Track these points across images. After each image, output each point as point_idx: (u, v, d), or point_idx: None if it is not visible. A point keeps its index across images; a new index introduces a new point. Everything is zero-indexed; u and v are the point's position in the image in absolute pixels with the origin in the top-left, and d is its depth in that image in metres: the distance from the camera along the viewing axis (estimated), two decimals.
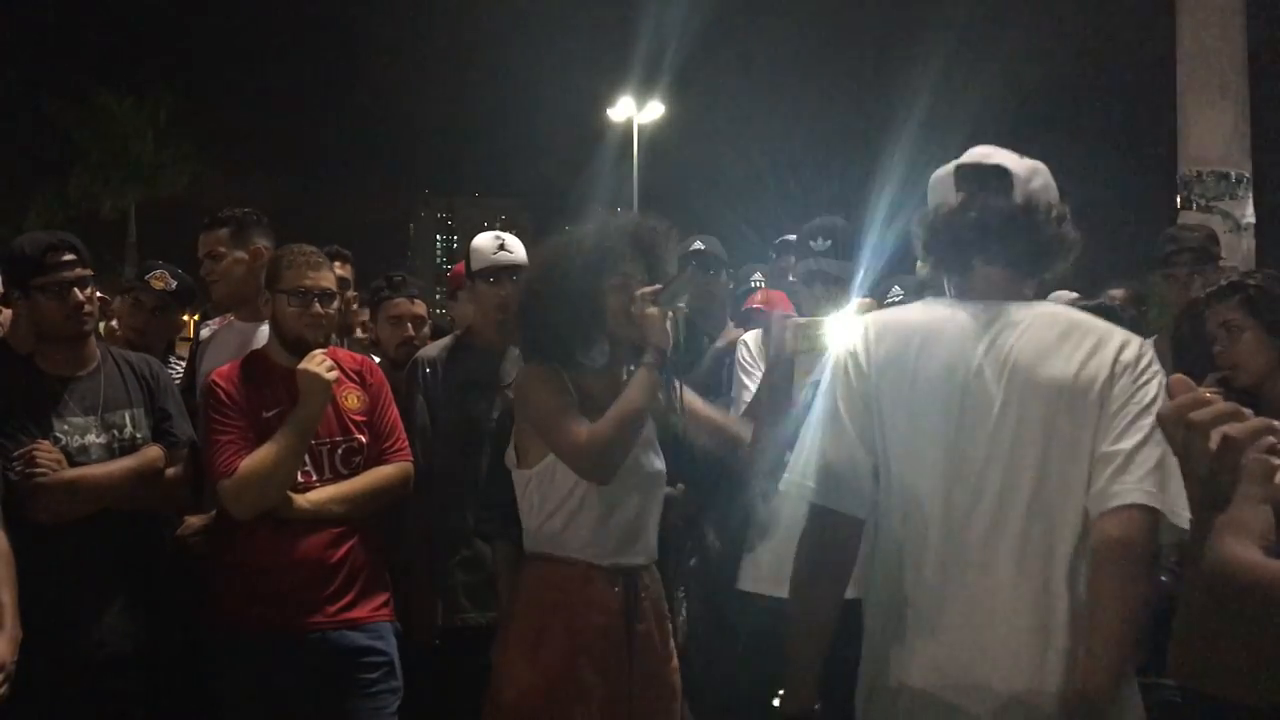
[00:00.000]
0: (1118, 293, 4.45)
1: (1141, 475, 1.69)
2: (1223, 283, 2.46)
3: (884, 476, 1.88)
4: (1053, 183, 1.91)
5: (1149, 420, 1.68)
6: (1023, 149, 1.94)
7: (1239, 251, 5.06)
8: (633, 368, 2.32)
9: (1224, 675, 2.33)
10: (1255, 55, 5.58)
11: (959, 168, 1.92)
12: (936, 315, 1.92)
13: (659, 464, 2.43)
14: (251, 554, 2.60)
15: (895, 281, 4.03)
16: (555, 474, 2.28)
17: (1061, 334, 1.81)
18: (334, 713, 2.64)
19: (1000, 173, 1.87)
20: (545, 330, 2.33)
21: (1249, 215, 5.39)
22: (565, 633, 2.24)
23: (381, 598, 2.76)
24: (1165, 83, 5.71)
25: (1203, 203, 5.35)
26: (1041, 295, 2.04)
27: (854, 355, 1.90)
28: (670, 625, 2.46)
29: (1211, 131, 5.40)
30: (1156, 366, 1.79)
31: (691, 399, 2.49)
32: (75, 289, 2.55)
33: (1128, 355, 1.78)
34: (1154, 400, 1.70)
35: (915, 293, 3.66)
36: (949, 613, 1.78)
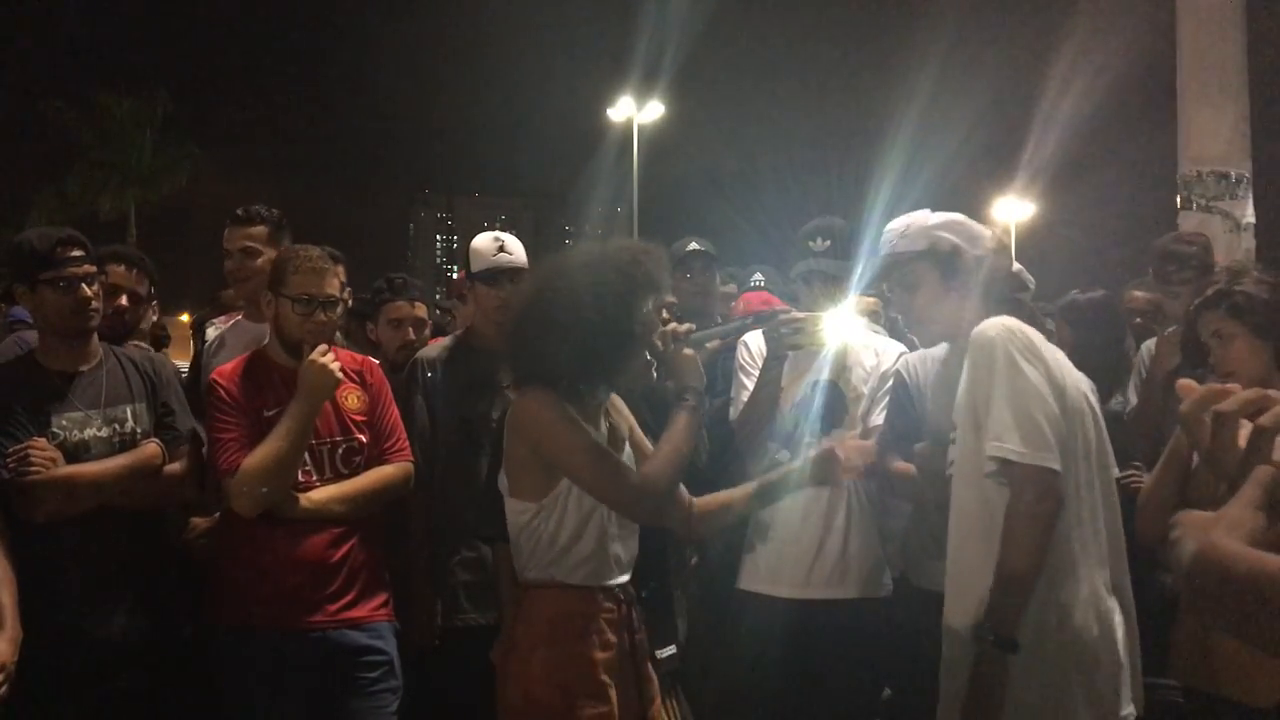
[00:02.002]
0: (1140, 294, 4.43)
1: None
2: (1210, 292, 2.46)
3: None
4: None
5: None
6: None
7: (1239, 252, 5.05)
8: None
9: (1224, 675, 2.35)
10: (1255, 55, 5.58)
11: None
12: None
13: None
14: (252, 553, 2.61)
15: None
16: (568, 507, 2.24)
17: None
18: (334, 712, 2.64)
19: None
20: (568, 356, 2.20)
21: (1249, 215, 5.38)
22: (594, 655, 2.24)
23: (381, 597, 2.76)
24: (1165, 83, 5.71)
25: (1203, 203, 5.35)
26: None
27: (1030, 335, 2.24)
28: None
29: (1211, 131, 5.39)
30: None
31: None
32: (83, 285, 2.56)
33: None
34: None
35: None
36: None
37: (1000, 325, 2.22)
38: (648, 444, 2.42)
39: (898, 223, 2.53)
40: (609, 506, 2.23)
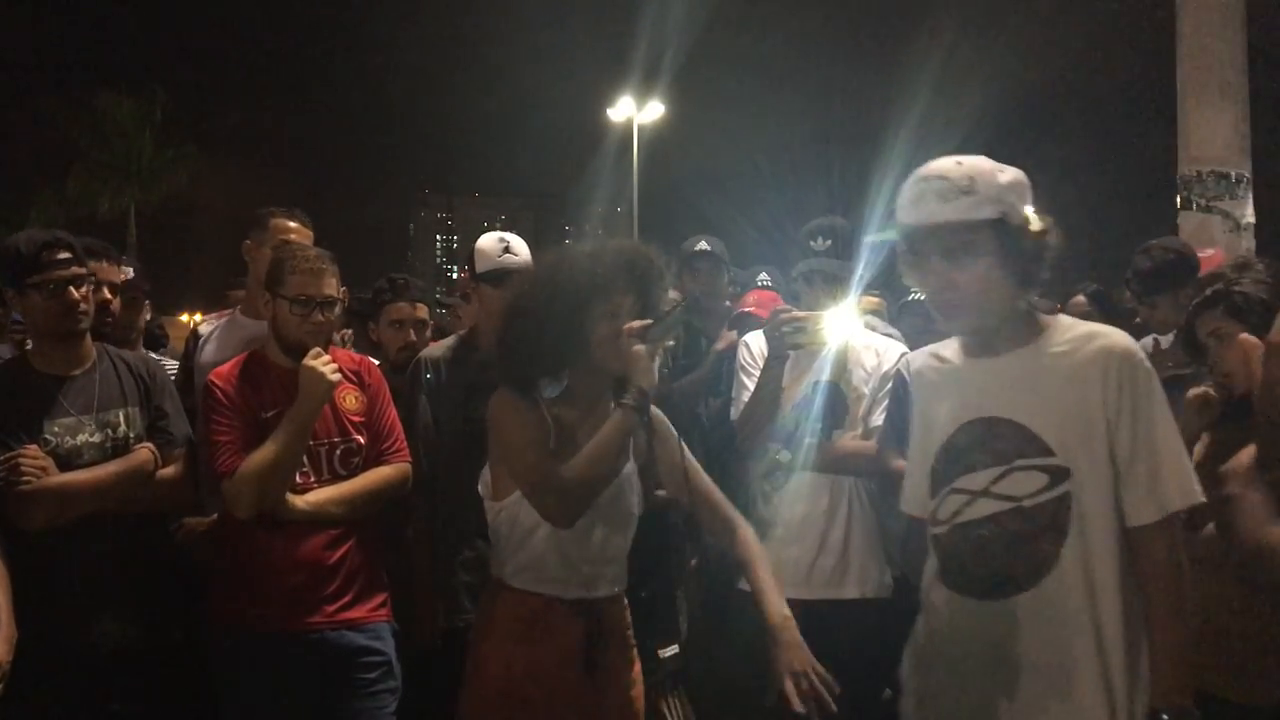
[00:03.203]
0: None
1: None
2: (1206, 293, 2.45)
3: None
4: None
5: None
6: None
7: (1239, 252, 5.05)
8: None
9: (1224, 675, 2.35)
10: (1255, 55, 5.58)
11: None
12: None
13: (634, 503, 2.30)
14: (250, 555, 2.60)
15: None
16: (522, 508, 2.20)
17: None
18: (333, 713, 2.64)
19: None
20: (519, 351, 2.22)
21: (1249, 215, 5.38)
22: (525, 665, 2.19)
23: (380, 598, 2.76)
24: (1165, 83, 5.71)
25: (1203, 203, 5.35)
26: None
27: None
28: (634, 652, 2.36)
29: (1211, 131, 5.39)
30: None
31: (696, 472, 2.33)
32: (70, 287, 2.54)
33: None
34: None
35: None
36: None
37: (1133, 343, 1.96)
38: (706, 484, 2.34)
39: (950, 169, 1.94)
40: (528, 500, 2.17)
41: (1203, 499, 1.90)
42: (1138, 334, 4.25)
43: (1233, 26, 5.41)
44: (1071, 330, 1.98)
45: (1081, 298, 4.00)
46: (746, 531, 2.28)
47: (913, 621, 2.16)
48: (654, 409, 2.25)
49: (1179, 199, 5.47)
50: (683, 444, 2.29)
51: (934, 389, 2.13)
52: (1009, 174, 1.96)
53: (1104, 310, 4.00)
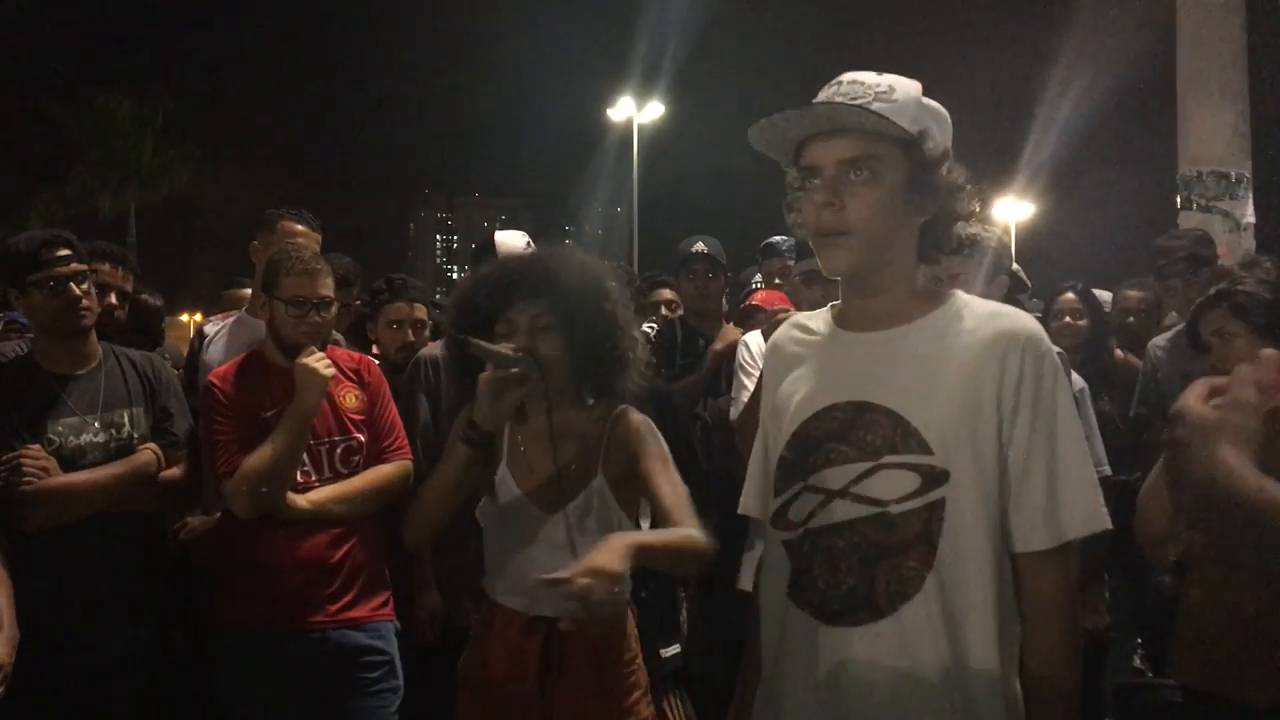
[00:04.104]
0: (1133, 293, 4.45)
1: None
2: (1210, 292, 2.46)
3: None
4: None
5: None
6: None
7: (1239, 252, 5.05)
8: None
9: (1225, 675, 2.35)
10: (1255, 55, 5.58)
11: None
12: None
13: (592, 532, 2.07)
14: (252, 554, 2.60)
15: None
16: (484, 515, 2.20)
17: None
18: (334, 712, 2.64)
19: None
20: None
21: (1249, 215, 5.39)
22: (480, 670, 2.16)
23: (382, 597, 2.76)
24: (1165, 83, 5.71)
25: (1203, 203, 5.36)
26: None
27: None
28: (623, 668, 2.18)
29: (1211, 131, 5.40)
30: None
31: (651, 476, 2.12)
32: (71, 284, 2.53)
33: None
34: None
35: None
36: None
37: (1039, 329, 1.60)
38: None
39: (867, 76, 1.61)
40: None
41: (1108, 525, 1.53)
42: (1133, 334, 4.27)
43: (1233, 26, 5.42)
44: (971, 307, 1.62)
45: (1070, 295, 4.01)
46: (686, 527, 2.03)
47: None
48: (636, 415, 2.15)
49: (1179, 199, 5.48)
50: (650, 451, 2.12)
51: (793, 363, 1.73)
52: (936, 104, 1.64)
53: (1092, 308, 4.01)
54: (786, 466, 1.66)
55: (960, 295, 1.66)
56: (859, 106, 1.54)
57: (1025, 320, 1.59)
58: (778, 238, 4.20)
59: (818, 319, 1.75)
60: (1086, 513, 1.53)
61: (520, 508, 2.15)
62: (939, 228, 1.64)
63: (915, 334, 1.61)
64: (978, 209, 1.66)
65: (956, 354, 1.56)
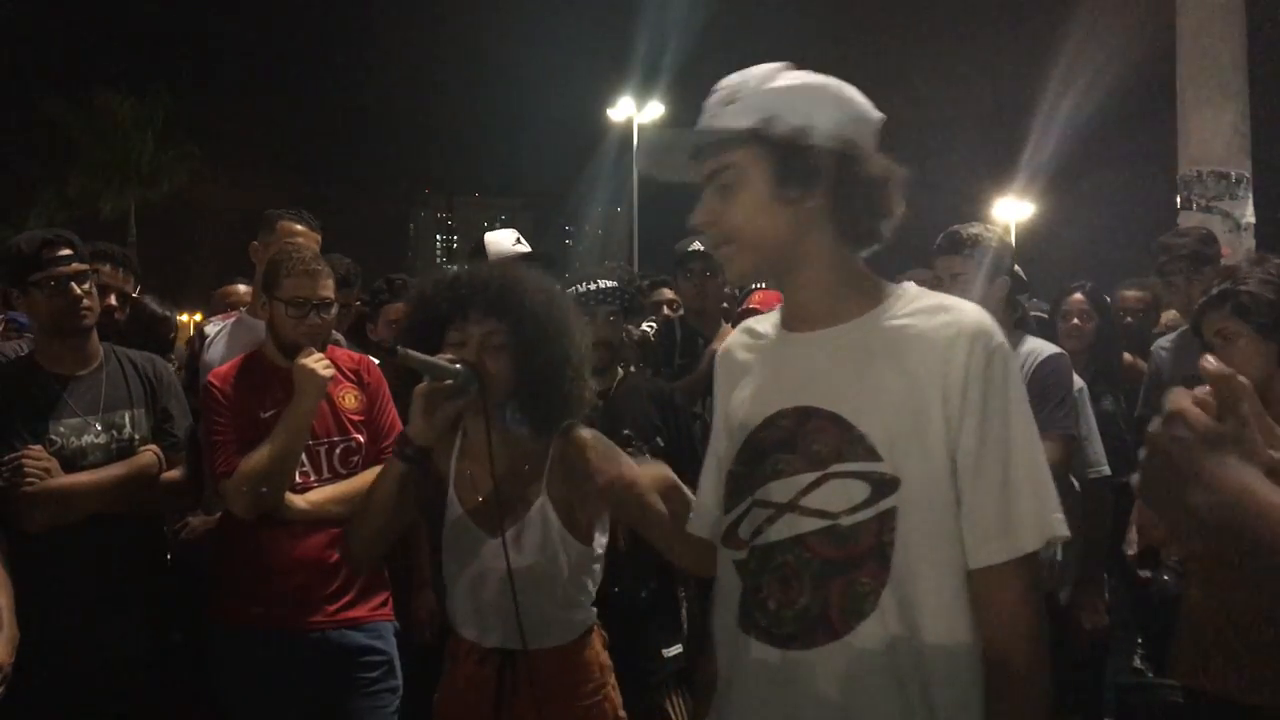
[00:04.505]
0: (1132, 293, 4.45)
1: None
2: (1213, 291, 2.45)
3: None
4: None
5: None
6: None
7: (1239, 252, 5.06)
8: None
9: (1226, 675, 2.35)
10: (1255, 55, 5.58)
11: None
12: None
13: (531, 555, 1.99)
14: (251, 554, 2.60)
15: (909, 277, 4.05)
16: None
17: None
18: (334, 712, 2.64)
19: None
20: None
21: (1249, 215, 5.39)
22: (445, 704, 2.12)
23: (380, 597, 2.76)
24: (1165, 83, 5.71)
25: (1203, 203, 5.36)
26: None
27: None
28: (584, 700, 2.08)
29: (1211, 131, 5.40)
30: None
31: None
32: (72, 284, 2.53)
33: None
34: None
35: (929, 287, 3.67)
36: None
37: (990, 323, 1.48)
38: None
39: (726, 81, 1.54)
40: None
41: (1065, 533, 1.42)
42: (1131, 334, 4.27)
43: (1233, 26, 5.42)
44: (916, 301, 1.52)
45: (1079, 295, 4.01)
46: None
47: None
48: (584, 431, 2.03)
49: (1179, 199, 5.48)
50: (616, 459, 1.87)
51: (742, 371, 1.64)
52: (796, 78, 1.51)
53: (1100, 309, 4.01)
54: (735, 481, 1.58)
55: (908, 288, 1.56)
56: (703, 129, 1.51)
57: (972, 313, 1.48)
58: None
59: (766, 322, 1.67)
60: (1040, 521, 1.41)
61: (465, 530, 2.06)
62: (849, 207, 1.49)
63: (857, 332, 1.51)
64: (893, 173, 1.51)
65: (900, 352, 1.46)
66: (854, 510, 1.44)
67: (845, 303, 1.53)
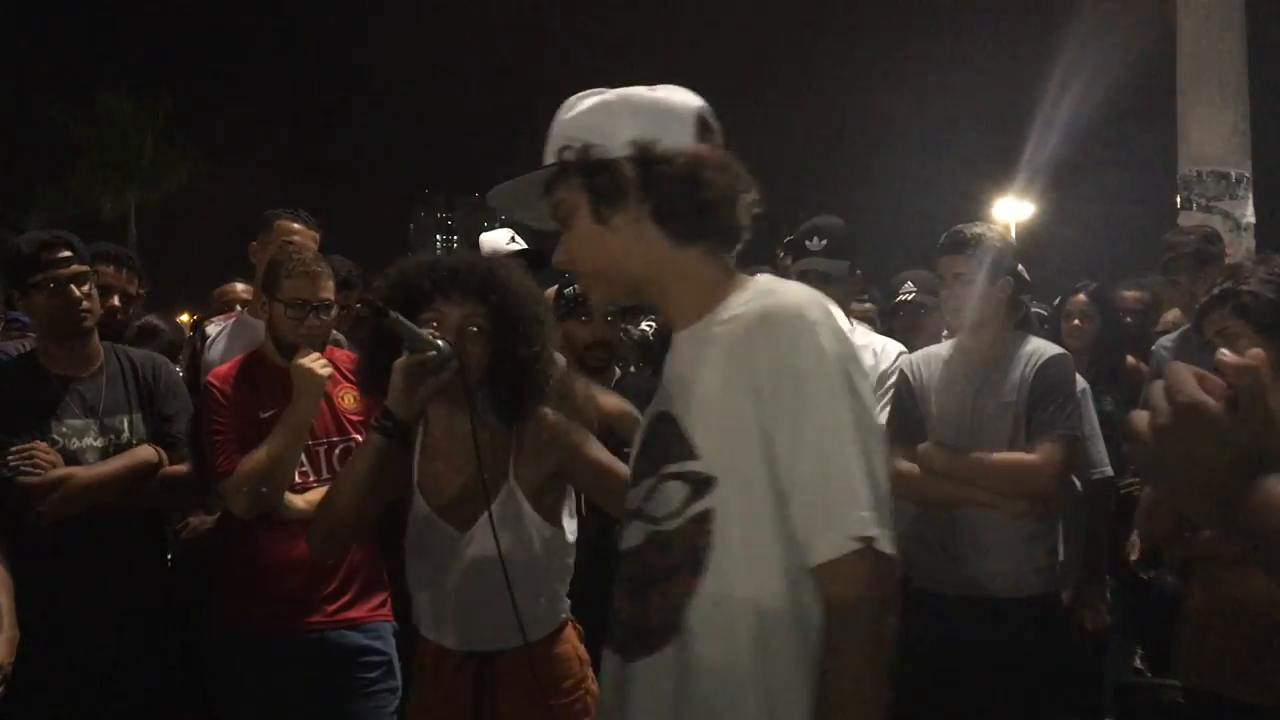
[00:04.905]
0: (1131, 294, 4.45)
1: None
2: (1215, 291, 2.45)
3: None
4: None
5: None
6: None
7: (1239, 252, 5.06)
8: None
9: (1226, 675, 2.35)
10: (1255, 55, 5.58)
11: None
12: None
13: (492, 546, 1.89)
14: (250, 555, 2.60)
15: (909, 277, 4.04)
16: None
17: None
18: (333, 712, 2.63)
19: None
20: None
21: (1249, 215, 5.39)
22: (414, 710, 2.11)
23: (380, 597, 2.76)
24: (1165, 83, 5.71)
25: (1203, 203, 5.36)
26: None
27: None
28: (565, 697, 2.03)
29: (1211, 131, 5.40)
30: None
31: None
32: (72, 285, 2.54)
33: None
34: None
35: (928, 288, 3.67)
36: None
37: (809, 305, 1.40)
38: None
39: (560, 118, 1.53)
40: None
41: (873, 532, 1.32)
42: (1131, 334, 4.26)
43: (1233, 26, 5.42)
44: (749, 291, 1.46)
45: (1082, 296, 4.01)
46: None
47: (913, 621, 2.14)
48: (549, 414, 2.02)
49: (1179, 199, 5.48)
50: (582, 438, 2.00)
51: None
52: (593, 100, 1.49)
53: (1103, 310, 4.01)
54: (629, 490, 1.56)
55: (759, 280, 1.50)
56: (520, 178, 1.53)
57: (791, 297, 1.41)
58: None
59: None
60: (853, 520, 1.32)
61: (433, 527, 2.00)
62: (665, 208, 1.45)
63: (701, 330, 1.47)
64: (707, 158, 1.46)
65: (718, 347, 1.42)
66: (673, 515, 1.40)
67: (695, 303, 1.49)
